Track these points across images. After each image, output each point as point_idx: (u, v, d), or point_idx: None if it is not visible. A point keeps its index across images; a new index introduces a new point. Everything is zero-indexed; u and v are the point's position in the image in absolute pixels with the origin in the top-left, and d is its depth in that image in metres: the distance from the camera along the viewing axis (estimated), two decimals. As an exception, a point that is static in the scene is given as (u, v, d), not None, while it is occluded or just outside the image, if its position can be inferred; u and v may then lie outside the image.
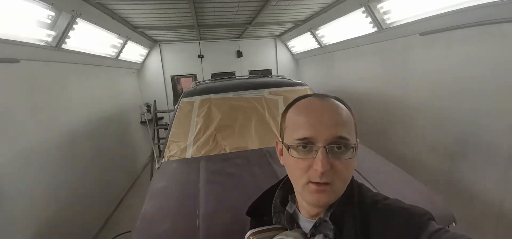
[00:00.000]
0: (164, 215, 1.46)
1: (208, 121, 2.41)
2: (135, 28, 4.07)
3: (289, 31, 5.49)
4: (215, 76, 5.91)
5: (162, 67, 5.95)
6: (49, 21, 2.35)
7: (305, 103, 0.59)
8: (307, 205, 0.59)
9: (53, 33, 2.43)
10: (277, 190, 0.68)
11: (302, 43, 5.45)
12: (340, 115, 0.55)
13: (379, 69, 3.40)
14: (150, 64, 5.87)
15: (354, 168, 0.56)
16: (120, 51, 4.10)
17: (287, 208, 0.64)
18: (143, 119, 5.45)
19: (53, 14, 2.33)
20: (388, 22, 2.93)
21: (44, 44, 2.41)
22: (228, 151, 2.23)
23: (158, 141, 4.49)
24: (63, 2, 2.33)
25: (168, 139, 2.37)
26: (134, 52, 4.91)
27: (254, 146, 2.25)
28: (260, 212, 0.69)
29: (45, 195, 2.31)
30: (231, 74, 6.03)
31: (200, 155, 2.20)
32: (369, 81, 3.62)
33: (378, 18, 2.93)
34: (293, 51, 6.41)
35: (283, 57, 6.54)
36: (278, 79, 3.07)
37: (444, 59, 2.39)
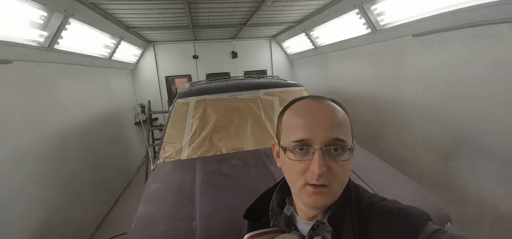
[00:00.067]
0: (160, 217, 1.45)
1: (203, 122, 2.40)
2: (128, 28, 4.04)
3: (284, 32, 5.51)
4: (210, 76, 5.89)
5: (156, 68, 5.91)
6: (42, 22, 2.32)
7: (301, 105, 0.59)
8: (304, 208, 0.59)
9: (45, 33, 2.40)
10: (274, 193, 0.68)
11: (297, 44, 5.47)
12: (337, 117, 0.55)
13: (373, 70, 3.43)
14: (144, 64, 5.82)
15: (351, 169, 0.56)
16: (113, 52, 4.06)
17: (285, 210, 0.64)
18: (137, 120, 5.41)
19: (45, 14, 2.30)
20: (381, 23, 2.96)
21: (37, 45, 2.38)
22: (224, 152, 2.23)
23: (153, 142, 4.45)
24: (56, 2, 2.30)
25: (163, 140, 2.35)
26: (127, 52, 4.86)
27: (250, 147, 2.25)
28: (257, 214, 0.69)
29: (38, 196, 2.27)
30: (226, 75, 6.02)
31: (196, 156, 2.19)
32: (363, 82, 3.66)
33: (372, 20, 2.96)
34: (288, 52, 6.43)
35: (278, 58, 6.56)
36: (274, 80, 3.07)
37: (437, 60, 2.42)
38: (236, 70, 6.27)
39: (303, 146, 0.53)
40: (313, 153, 0.52)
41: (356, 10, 3.03)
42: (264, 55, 6.49)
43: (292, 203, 0.65)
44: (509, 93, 1.84)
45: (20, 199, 2.07)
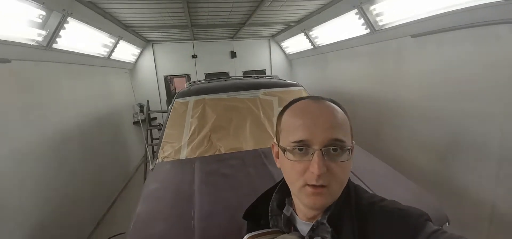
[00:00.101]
0: (159, 216, 1.45)
1: (202, 121, 2.40)
2: (127, 27, 4.03)
3: (283, 32, 5.51)
4: (209, 76, 5.89)
5: (155, 67, 5.90)
6: (40, 21, 2.31)
7: (300, 106, 0.59)
8: (304, 208, 0.59)
9: (44, 32, 2.39)
10: (274, 193, 0.68)
11: (296, 44, 5.48)
12: (336, 117, 0.55)
13: (371, 70, 3.44)
14: (143, 64, 5.81)
15: (350, 170, 0.56)
16: (112, 51, 4.05)
17: (284, 211, 0.64)
18: (136, 120, 5.40)
19: (43, 13, 2.29)
20: (380, 23, 2.97)
21: (35, 44, 2.37)
22: (223, 152, 2.22)
23: (152, 141, 4.45)
24: (54, 2, 2.29)
25: (162, 140, 2.35)
26: (126, 51, 4.86)
27: (249, 147, 2.25)
28: (257, 215, 0.69)
29: (36, 195, 2.27)
30: (225, 75, 6.02)
31: (195, 156, 2.19)
32: (362, 82, 3.67)
33: (371, 20, 2.97)
34: (287, 52, 6.44)
35: (277, 58, 6.56)
36: (273, 80, 3.07)
37: (435, 61, 2.43)
38: (235, 69, 6.27)
39: (302, 146, 0.53)
40: (313, 154, 0.52)
41: (355, 10, 3.04)
42: (263, 55, 6.49)
43: (291, 204, 0.65)
44: (507, 93, 1.85)
45: (18, 198, 2.07)
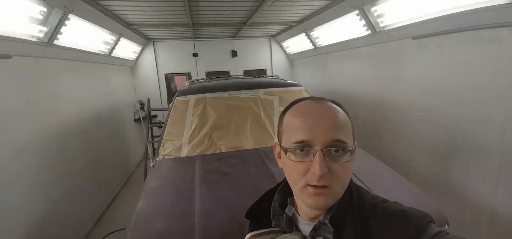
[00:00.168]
0: (160, 214, 1.46)
1: (203, 120, 2.41)
2: (128, 25, 4.03)
3: (284, 32, 5.51)
4: (210, 75, 5.89)
5: (156, 65, 5.90)
6: (41, 17, 2.31)
7: (302, 107, 0.59)
8: (306, 208, 0.60)
9: (45, 29, 2.39)
10: (276, 193, 0.68)
11: (297, 44, 5.48)
12: (337, 118, 0.55)
13: (372, 71, 3.44)
14: (143, 61, 5.81)
15: (352, 170, 0.56)
16: (113, 48, 4.05)
17: (286, 211, 0.65)
18: (136, 117, 5.41)
19: (45, 9, 2.30)
20: (381, 25, 2.97)
21: (36, 40, 2.37)
22: (223, 151, 2.23)
23: (152, 139, 4.45)
24: (56, -2, 2.30)
25: (163, 138, 2.36)
26: (127, 49, 4.85)
27: (249, 146, 2.26)
28: (259, 215, 0.69)
29: (36, 191, 2.27)
30: (226, 73, 6.02)
31: (195, 154, 2.19)
32: (362, 83, 3.67)
33: (372, 21, 2.97)
34: (287, 52, 6.44)
35: (278, 58, 6.56)
36: (273, 80, 3.08)
37: (436, 63, 2.44)
38: (236, 69, 6.27)
39: (304, 147, 0.53)
40: (314, 154, 0.52)
41: (356, 11, 3.04)
42: (264, 54, 6.49)
43: (293, 204, 0.65)
44: (507, 96, 1.85)
45: (19, 193, 2.07)
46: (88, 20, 2.98)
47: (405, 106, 2.87)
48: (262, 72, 6.39)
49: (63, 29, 2.56)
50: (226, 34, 5.69)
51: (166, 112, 4.00)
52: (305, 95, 2.62)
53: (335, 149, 0.53)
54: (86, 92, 3.48)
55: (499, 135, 1.93)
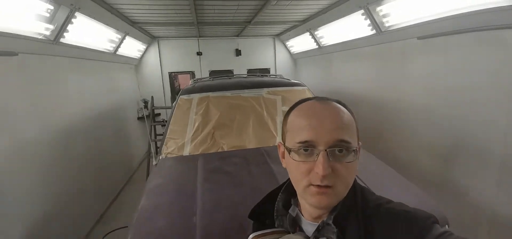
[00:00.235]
0: (162, 212, 1.46)
1: (206, 119, 2.41)
2: (133, 23, 4.05)
3: (288, 31, 5.50)
4: (214, 74, 5.90)
5: (160, 64, 5.93)
6: (48, 15, 2.33)
7: (306, 107, 0.59)
8: (309, 208, 0.59)
9: (51, 26, 2.42)
10: (280, 193, 0.68)
11: (301, 43, 5.46)
12: (342, 118, 0.55)
13: (376, 71, 3.42)
14: (148, 60, 5.84)
15: (356, 171, 0.56)
16: (118, 46, 4.08)
17: (290, 211, 0.64)
18: (140, 115, 5.44)
19: (51, 7, 2.32)
20: (386, 25, 2.95)
21: (42, 38, 2.40)
22: (226, 150, 2.23)
23: (155, 137, 4.48)
24: (62, -4, 2.32)
25: (166, 136, 2.36)
26: (132, 47, 4.89)
27: (252, 145, 2.26)
28: (262, 215, 0.69)
29: (40, 188, 2.30)
30: (229, 72, 6.03)
31: (198, 153, 2.20)
32: (367, 83, 3.65)
33: (377, 21, 2.95)
34: (291, 51, 6.42)
35: (282, 57, 6.55)
36: (277, 79, 3.07)
37: (441, 64, 2.41)
38: (240, 68, 6.27)
39: (307, 147, 0.53)
40: (317, 155, 0.52)
41: (361, 11, 3.02)
42: (268, 53, 6.49)
43: (297, 204, 0.65)
44: (510, 98, 1.83)
45: (23, 190, 2.10)
46: (94, 18, 3.01)
47: (408, 106, 2.85)
48: (266, 71, 6.38)
49: (69, 27, 2.58)
50: (230, 33, 5.70)
51: (169, 111, 4.02)
52: (309, 94, 2.61)
53: (339, 149, 0.52)
54: (90, 90, 3.51)
55: (502, 136, 1.91)
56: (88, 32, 3.12)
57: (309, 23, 4.42)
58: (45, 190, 2.36)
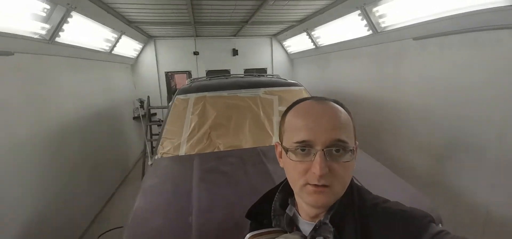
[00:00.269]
0: (157, 212, 1.46)
1: (202, 119, 2.41)
2: (130, 23, 4.03)
3: (285, 31, 5.51)
4: (210, 73, 5.89)
5: (157, 63, 5.90)
6: (44, 14, 2.31)
7: (303, 107, 0.59)
8: (306, 207, 0.60)
9: (47, 26, 2.40)
10: (277, 193, 0.68)
11: (298, 43, 5.48)
12: (339, 118, 0.55)
13: (373, 71, 3.44)
14: (144, 59, 5.81)
15: (353, 170, 0.56)
16: (114, 46, 4.06)
17: (287, 211, 0.64)
18: (136, 115, 5.41)
19: (48, 7, 2.30)
20: (383, 25, 2.97)
21: (38, 37, 2.38)
22: (222, 149, 2.23)
23: (151, 137, 4.46)
24: (58, -5, 2.30)
25: (162, 136, 2.35)
26: (128, 47, 4.86)
27: (248, 145, 2.26)
28: (259, 215, 0.69)
29: (34, 188, 2.28)
30: (226, 72, 6.02)
31: (194, 153, 2.19)
32: (363, 83, 3.67)
33: (374, 21, 2.97)
34: (288, 51, 6.43)
35: (279, 57, 6.55)
36: (274, 79, 3.07)
37: (436, 64, 2.44)
38: (237, 67, 6.26)
39: (304, 147, 0.53)
40: (315, 154, 0.52)
41: (358, 12, 3.03)
42: (265, 53, 6.49)
43: (294, 204, 0.65)
44: (506, 98, 1.85)
45: (17, 190, 2.08)
46: (91, 17, 2.98)
47: (405, 106, 2.87)
48: (263, 71, 6.39)
49: (65, 26, 2.56)
50: (227, 32, 5.69)
51: (165, 110, 4.00)
52: (305, 94, 2.62)
53: (336, 149, 0.52)
54: (86, 89, 3.49)
55: (497, 135, 1.93)
56: (84, 32, 3.10)
57: (306, 23, 4.44)
58: (40, 189, 2.34)
